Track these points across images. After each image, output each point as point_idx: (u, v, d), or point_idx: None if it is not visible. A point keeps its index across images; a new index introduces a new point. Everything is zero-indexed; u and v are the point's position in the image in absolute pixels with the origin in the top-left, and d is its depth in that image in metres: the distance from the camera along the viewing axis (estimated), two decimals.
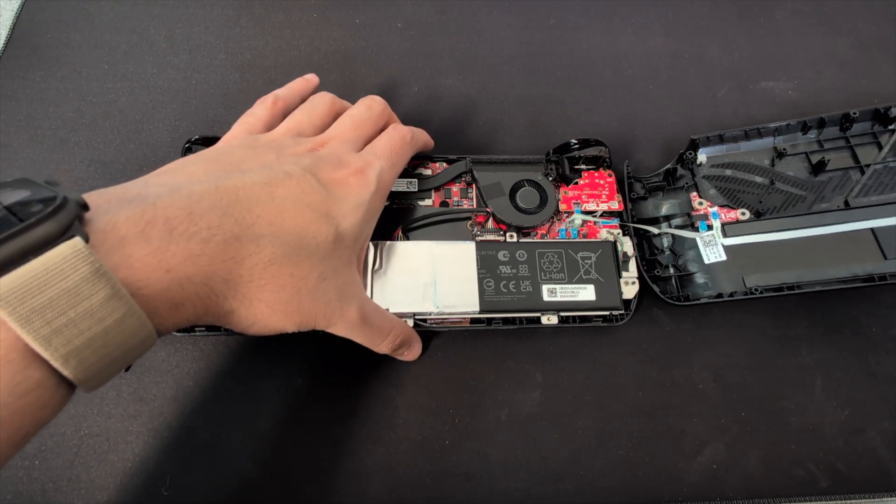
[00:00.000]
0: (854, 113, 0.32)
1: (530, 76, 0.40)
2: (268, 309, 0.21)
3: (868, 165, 0.32)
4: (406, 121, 0.31)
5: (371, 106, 0.28)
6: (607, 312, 0.30)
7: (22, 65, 0.38)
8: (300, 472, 0.28)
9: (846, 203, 0.32)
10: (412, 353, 0.29)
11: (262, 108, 0.28)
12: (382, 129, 0.29)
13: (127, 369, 0.19)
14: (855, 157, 0.33)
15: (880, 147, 0.32)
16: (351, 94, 0.30)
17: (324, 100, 0.29)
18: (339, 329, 0.24)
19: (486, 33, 0.41)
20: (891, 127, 0.33)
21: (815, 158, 0.33)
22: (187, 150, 0.31)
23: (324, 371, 0.30)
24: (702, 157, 0.34)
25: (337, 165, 0.25)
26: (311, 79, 0.31)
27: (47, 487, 0.27)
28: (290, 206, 0.22)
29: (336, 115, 0.28)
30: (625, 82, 0.40)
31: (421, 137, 0.31)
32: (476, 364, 0.30)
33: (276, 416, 0.29)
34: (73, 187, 0.34)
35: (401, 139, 0.28)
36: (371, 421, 0.29)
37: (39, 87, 0.37)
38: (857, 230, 0.31)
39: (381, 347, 0.27)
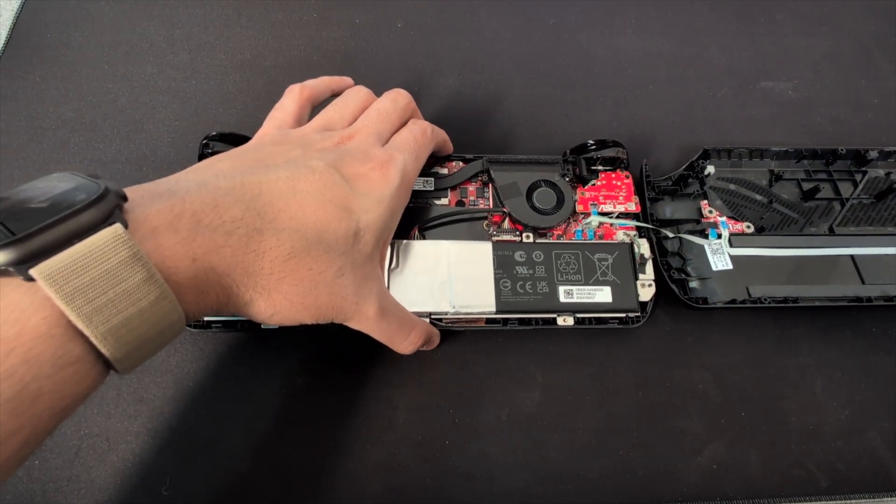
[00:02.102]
0: (841, 150, 0.35)
1: (530, 76, 0.40)
2: (286, 301, 0.22)
3: (847, 199, 0.35)
4: None
5: (396, 99, 0.29)
6: (623, 315, 0.30)
7: (22, 65, 0.38)
8: (300, 472, 0.27)
9: (831, 230, 0.34)
10: (431, 345, 0.29)
11: (289, 100, 0.28)
12: (405, 123, 0.29)
13: None
14: (836, 190, 0.36)
15: (856, 185, 0.36)
16: None
17: (358, 95, 0.29)
18: (356, 324, 0.25)
19: (486, 33, 0.41)
20: (863, 168, 0.36)
21: (805, 186, 0.35)
22: (205, 147, 0.31)
23: (324, 371, 0.30)
24: (710, 168, 0.35)
25: (362, 159, 0.25)
26: (346, 79, 0.31)
27: (47, 487, 0.27)
28: (312, 200, 0.22)
29: (366, 109, 0.29)
30: (625, 82, 0.40)
31: (440, 133, 0.31)
32: (476, 364, 0.30)
33: (276, 416, 0.29)
34: None
35: (422, 132, 0.29)
36: (371, 421, 0.29)
37: (39, 87, 0.37)
38: (840, 255, 0.33)
39: (403, 347, 0.27)
